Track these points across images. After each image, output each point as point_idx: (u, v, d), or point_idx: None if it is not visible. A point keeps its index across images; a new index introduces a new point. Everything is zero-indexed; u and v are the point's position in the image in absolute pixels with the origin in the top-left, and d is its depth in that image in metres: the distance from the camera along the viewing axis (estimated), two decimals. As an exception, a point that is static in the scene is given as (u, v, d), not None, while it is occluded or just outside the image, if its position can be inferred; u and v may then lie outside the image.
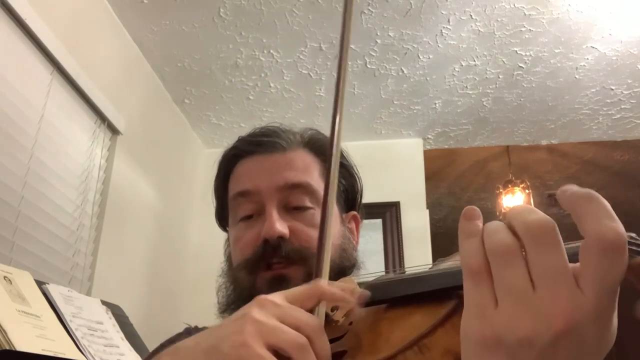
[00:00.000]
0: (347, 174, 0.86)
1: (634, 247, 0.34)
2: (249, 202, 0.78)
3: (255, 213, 0.78)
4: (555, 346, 0.32)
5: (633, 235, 0.35)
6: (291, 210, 0.77)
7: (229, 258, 0.82)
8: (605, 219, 0.33)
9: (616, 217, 0.33)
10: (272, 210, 0.75)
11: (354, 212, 0.87)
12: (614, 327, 0.34)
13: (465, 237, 0.37)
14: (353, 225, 0.87)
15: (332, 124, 0.60)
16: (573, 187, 0.35)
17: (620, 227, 0.32)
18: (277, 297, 0.48)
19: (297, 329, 0.44)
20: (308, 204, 0.77)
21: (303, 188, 0.77)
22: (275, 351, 0.43)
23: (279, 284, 0.71)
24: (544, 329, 0.32)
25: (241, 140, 0.86)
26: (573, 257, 0.34)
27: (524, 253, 0.34)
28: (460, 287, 0.38)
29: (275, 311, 0.46)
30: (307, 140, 0.84)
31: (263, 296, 0.48)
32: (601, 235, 0.32)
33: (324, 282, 0.50)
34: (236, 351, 0.43)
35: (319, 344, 0.45)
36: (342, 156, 0.85)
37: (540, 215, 0.34)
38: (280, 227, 0.73)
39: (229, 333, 0.45)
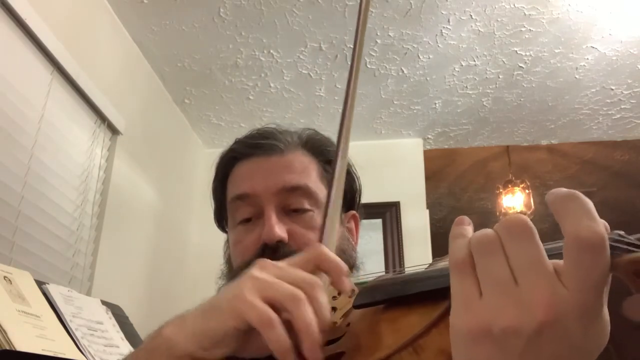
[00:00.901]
0: (346, 173, 0.86)
1: (622, 245, 0.34)
2: (248, 205, 0.78)
3: (254, 216, 0.78)
4: (541, 337, 0.33)
5: (621, 233, 0.35)
6: (290, 212, 0.77)
7: (228, 260, 0.82)
8: (583, 218, 0.33)
9: (595, 216, 0.33)
10: (271, 214, 0.75)
11: (353, 212, 0.87)
12: (605, 325, 0.34)
13: (454, 238, 0.39)
14: (352, 224, 0.87)
15: (340, 130, 0.59)
16: (559, 189, 0.36)
17: (598, 226, 0.33)
18: (278, 262, 0.49)
19: (295, 284, 0.45)
20: (307, 206, 0.77)
21: (301, 190, 0.77)
22: (273, 307, 0.43)
23: None
24: (527, 318, 0.33)
25: (238, 143, 0.85)
26: (559, 255, 0.34)
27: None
28: None
29: (274, 270, 0.47)
30: (305, 140, 0.83)
31: (264, 259, 0.49)
32: (577, 234, 0.33)
33: (324, 247, 0.50)
34: (231, 304, 0.45)
35: (316, 299, 0.44)
36: None
37: (517, 214, 0.36)
38: (280, 231, 0.73)
39: (227, 290, 0.47)
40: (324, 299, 0.45)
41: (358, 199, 0.89)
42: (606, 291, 0.34)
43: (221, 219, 0.88)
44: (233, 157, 0.84)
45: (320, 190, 0.79)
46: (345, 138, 0.59)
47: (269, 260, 0.48)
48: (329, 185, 0.57)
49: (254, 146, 0.82)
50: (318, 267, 0.48)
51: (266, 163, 0.80)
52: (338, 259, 0.49)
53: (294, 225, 0.75)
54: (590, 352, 0.35)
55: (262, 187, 0.77)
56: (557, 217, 0.34)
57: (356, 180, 0.88)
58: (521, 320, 0.33)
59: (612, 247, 0.34)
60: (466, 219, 0.40)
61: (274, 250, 0.73)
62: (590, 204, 0.34)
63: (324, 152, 0.83)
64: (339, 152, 0.58)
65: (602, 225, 0.33)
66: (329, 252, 0.49)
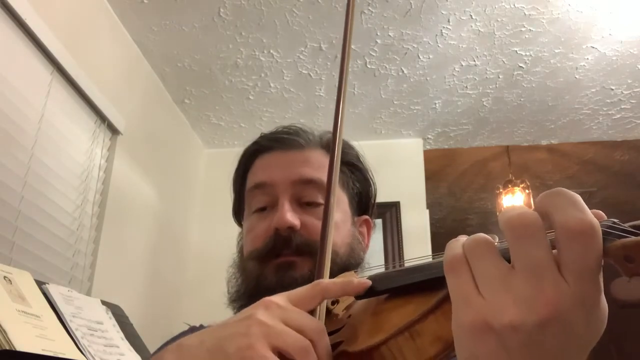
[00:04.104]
0: (362, 178, 0.87)
1: (615, 232, 0.35)
2: (264, 194, 0.80)
3: (268, 205, 0.80)
4: (543, 332, 0.33)
5: (615, 220, 0.36)
6: (304, 205, 0.79)
7: (241, 249, 0.84)
8: (569, 209, 0.34)
9: (583, 207, 0.34)
10: (284, 202, 0.77)
11: (366, 217, 0.88)
12: (604, 311, 0.35)
13: (449, 243, 0.40)
14: (364, 229, 0.88)
15: (336, 113, 0.62)
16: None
17: (586, 215, 0.34)
18: (280, 298, 0.49)
19: (300, 331, 0.45)
20: (320, 200, 0.79)
21: (316, 184, 0.79)
22: (279, 353, 0.44)
23: (286, 270, 0.74)
24: (528, 315, 0.33)
25: (263, 137, 0.88)
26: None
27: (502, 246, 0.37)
28: None
29: (279, 314, 0.47)
30: (326, 142, 0.86)
31: (268, 298, 0.48)
32: (566, 224, 0.34)
33: (325, 282, 0.51)
34: (242, 353, 0.44)
35: (321, 346, 0.46)
36: (359, 160, 0.88)
37: (520, 210, 0.36)
38: (291, 217, 0.75)
39: (234, 334, 0.46)
40: (327, 344, 0.47)
41: (372, 205, 0.90)
42: (600, 278, 0.34)
43: (239, 212, 0.90)
44: (255, 150, 0.87)
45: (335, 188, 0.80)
46: (340, 131, 0.61)
47: (273, 299, 0.48)
48: (329, 170, 0.59)
49: (276, 140, 0.85)
50: (324, 299, 0.50)
51: (285, 156, 0.83)
52: (338, 280, 0.51)
53: (306, 217, 0.77)
54: (591, 339, 0.35)
55: (279, 178, 0.79)
56: (546, 213, 0.35)
57: (372, 186, 0.89)
58: (523, 316, 0.34)
59: (605, 233, 0.34)
60: (460, 235, 0.42)
61: (285, 239, 0.75)
62: (576, 196, 0.35)
63: (343, 154, 0.84)
64: (335, 146, 0.60)
65: (589, 214, 0.34)
66: (329, 281, 0.51)
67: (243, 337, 0.45)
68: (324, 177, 0.78)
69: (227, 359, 0.45)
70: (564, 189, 0.36)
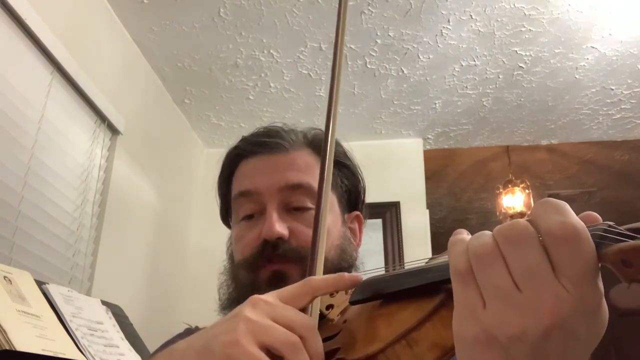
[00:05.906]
0: (350, 174, 0.86)
1: (611, 235, 0.34)
2: (251, 202, 0.79)
3: (256, 213, 0.78)
4: (547, 340, 0.34)
5: (611, 223, 0.36)
6: (292, 210, 0.77)
7: (231, 256, 0.83)
8: (551, 215, 0.34)
9: (565, 211, 0.34)
10: (272, 211, 0.75)
11: (357, 212, 0.87)
12: (605, 316, 0.35)
13: (453, 244, 0.39)
14: (356, 225, 0.87)
15: (328, 115, 0.61)
16: None
17: (567, 218, 0.34)
18: (270, 296, 0.48)
19: (289, 328, 0.44)
20: (309, 204, 0.77)
21: (304, 189, 0.77)
22: (267, 351, 0.43)
23: (278, 281, 0.72)
24: (533, 326, 0.34)
25: (244, 140, 0.86)
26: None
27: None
28: (448, 281, 0.40)
29: (267, 310, 0.46)
30: (311, 139, 0.83)
31: (256, 296, 0.48)
32: (547, 229, 0.34)
33: (316, 279, 0.50)
34: (227, 350, 0.43)
35: (311, 342, 0.45)
36: (346, 156, 0.86)
37: (514, 220, 0.36)
38: (280, 228, 0.74)
39: (220, 332, 0.45)
40: (318, 340, 0.46)
41: (362, 200, 0.88)
42: (599, 283, 0.34)
43: (226, 216, 0.88)
44: (238, 155, 0.84)
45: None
46: (332, 133, 0.60)
47: (261, 297, 0.47)
48: (319, 185, 0.58)
49: (259, 144, 0.83)
50: (314, 297, 0.49)
51: (270, 161, 0.80)
52: (329, 276, 0.50)
53: (295, 223, 0.76)
54: (592, 342, 0.36)
55: (265, 185, 0.77)
56: (533, 223, 0.35)
57: (361, 181, 0.87)
58: (527, 327, 0.34)
59: (600, 237, 0.34)
60: (464, 230, 0.41)
61: (273, 247, 0.73)
62: (561, 203, 0.35)
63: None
64: (327, 146, 0.59)
65: (572, 217, 0.34)
66: (320, 278, 0.50)
67: (229, 335, 0.44)
68: (311, 179, 0.77)
69: (213, 357, 0.44)
70: (550, 198, 0.36)
